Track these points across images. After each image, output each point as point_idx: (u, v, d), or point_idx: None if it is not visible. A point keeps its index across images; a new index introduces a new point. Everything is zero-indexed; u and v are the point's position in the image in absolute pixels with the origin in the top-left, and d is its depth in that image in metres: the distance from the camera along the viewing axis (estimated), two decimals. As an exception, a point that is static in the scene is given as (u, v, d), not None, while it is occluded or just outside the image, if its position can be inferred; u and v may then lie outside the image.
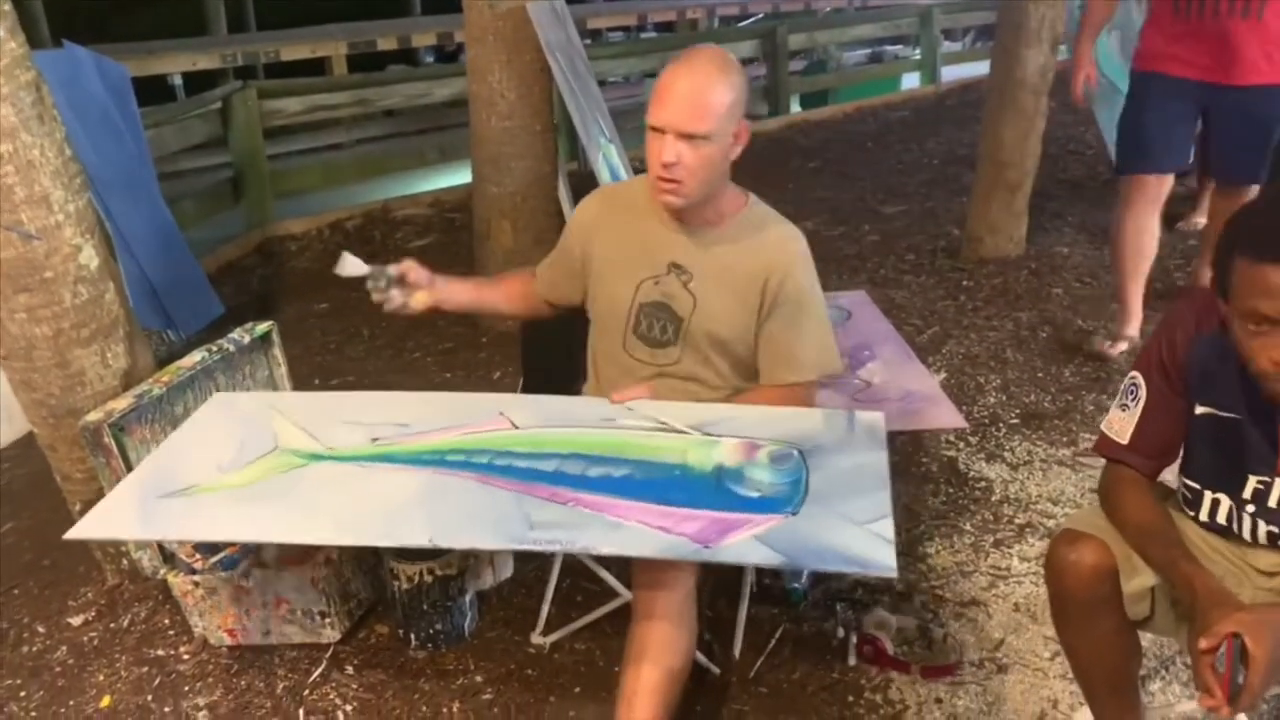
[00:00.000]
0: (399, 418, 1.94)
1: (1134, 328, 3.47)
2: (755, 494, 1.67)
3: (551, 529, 1.60)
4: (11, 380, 2.27)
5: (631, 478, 1.72)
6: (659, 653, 1.68)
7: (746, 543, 1.56)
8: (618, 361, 2.00)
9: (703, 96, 1.76)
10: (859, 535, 1.58)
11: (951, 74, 9.26)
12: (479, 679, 2.12)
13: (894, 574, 1.54)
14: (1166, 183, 3.29)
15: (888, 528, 1.59)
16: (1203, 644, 1.33)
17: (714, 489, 1.69)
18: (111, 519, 1.73)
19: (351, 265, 1.94)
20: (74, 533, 1.72)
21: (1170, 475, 1.66)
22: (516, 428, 1.89)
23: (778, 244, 1.92)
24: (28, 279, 2.11)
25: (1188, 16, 3.01)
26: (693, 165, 1.78)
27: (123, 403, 2.18)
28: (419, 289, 2.00)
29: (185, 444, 1.93)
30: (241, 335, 2.46)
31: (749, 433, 1.82)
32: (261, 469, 1.82)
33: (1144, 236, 3.33)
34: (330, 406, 2.06)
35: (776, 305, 1.90)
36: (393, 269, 1.98)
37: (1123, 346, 3.44)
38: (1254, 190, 3.13)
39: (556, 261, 2.10)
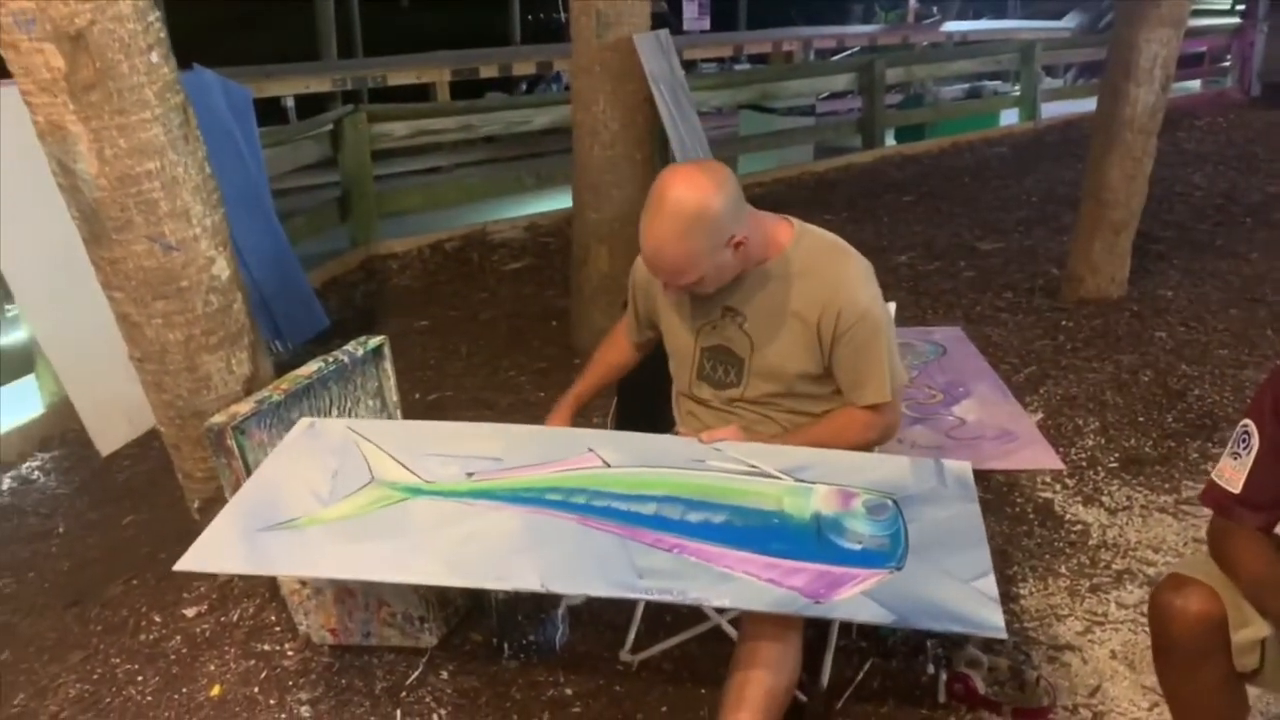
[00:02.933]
0: (489, 451, 1.95)
1: None
2: (857, 546, 1.67)
3: (661, 578, 1.62)
4: (144, 381, 2.41)
5: (731, 524, 1.73)
6: (766, 660, 1.69)
7: (857, 600, 1.57)
8: (689, 405, 2.09)
9: (677, 260, 1.80)
10: (964, 593, 1.57)
11: (1051, 110, 9.12)
12: (568, 692, 2.16)
13: (1003, 634, 1.54)
14: None
15: (990, 585, 1.58)
16: None
17: (814, 540, 1.70)
18: (217, 552, 1.75)
19: None
20: (182, 565, 1.73)
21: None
22: (608, 465, 1.90)
23: (829, 275, 1.91)
24: (165, 287, 2.25)
25: None
26: (705, 286, 1.87)
27: (245, 407, 2.30)
28: None
29: (279, 473, 1.95)
30: (355, 348, 2.57)
31: (840, 479, 1.82)
32: (362, 502, 1.84)
33: None
34: (414, 434, 2.09)
35: (841, 333, 1.90)
36: None
37: None
38: None
39: (631, 311, 2.19)
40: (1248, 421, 1.60)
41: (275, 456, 2.03)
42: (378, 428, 2.12)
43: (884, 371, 1.93)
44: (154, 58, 2.12)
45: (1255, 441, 1.58)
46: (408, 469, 1.92)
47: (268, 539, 1.75)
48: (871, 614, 1.56)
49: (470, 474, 1.90)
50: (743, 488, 1.82)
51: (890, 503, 1.77)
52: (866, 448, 2.00)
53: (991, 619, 1.53)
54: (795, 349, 1.93)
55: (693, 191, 1.77)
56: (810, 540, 1.70)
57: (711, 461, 1.88)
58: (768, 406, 2.00)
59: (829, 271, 1.92)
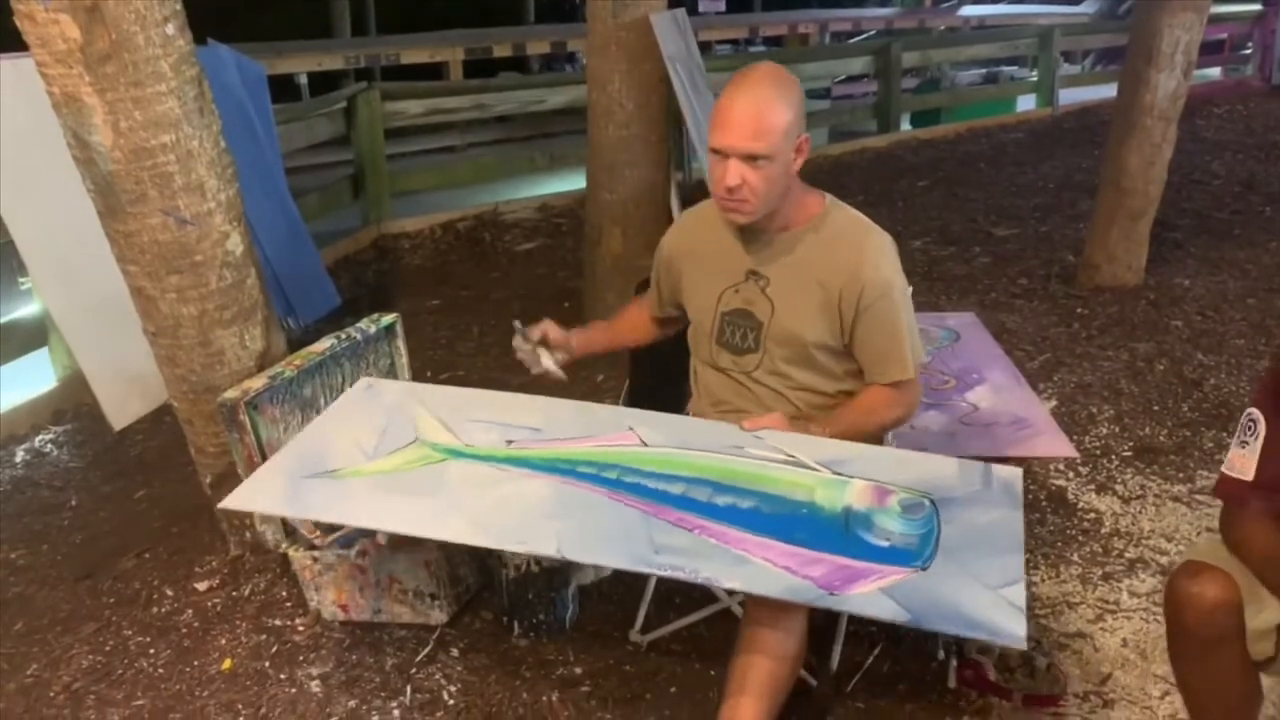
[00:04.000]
0: (532, 422, 1.98)
1: None
2: (884, 543, 1.65)
3: (677, 555, 1.62)
4: (157, 355, 2.41)
5: (758, 510, 1.72)
6: (770, 648, 1.69)
7: (873, 595, 1.54)
8: (708, 375, 2.07)
9: (762, 118, 1.79)
10: (989, 600, 1.54)
11: (1069, 97, 9.04)
12: (578, 670, 2.16)
13: (1023, 645, 1.51)
14: None
15: (1019, 594, 1.54)
16: None
17: (841, 533, 1.67)
18: (261, 494, 1.85)
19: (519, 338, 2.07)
20: (227, 503, 1.84)
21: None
22: (645, 445, 1.90)
23: (855, 247, 1.91)
24: (179, 261, 2.25)
25: None
26: (756, 185, 1.82)
27: (258, 382, 2.30)
28: (558, 350, 2.08)
29: (331, 427, 2.03)
30: (368, 325, 2.57)
31: (881, 476, 1.79)
32: (402, 459, 1.89)
33: None
34: (466, 402, 2.12)
35: (865, 307, 1.89)
36: (534, 331, 2.06)
37: None
38: None
39: (655, 286, 2.17)
40: (1252, 409, 1.60)
41: (331, 409, 2.13)
42: (431, 391, 2.18)
43: (906, 348, 1.93)
44: (170, 30, 2.11)
45: (1261, 428, 1.57)
46: (451, 431, 1.97)
47: (309, 485, 1.83)
48: (885, 611, 1.53)
49: (510, 441, 1.93)
50: (776, 476, 1.80)
51: (927, 502, 1.74)
52: (893, 425, 2.01)
53: (1013, 628, 1.49)
54: (814, 316, 1.93)
55: (785, 72, 1.88)
56: (836, 533, 1.67)
57: (750, 449, 1.86)
58: (784, 380, 1.98)
59: (855, 244, 1.92)
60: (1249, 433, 1.59)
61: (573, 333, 2.13)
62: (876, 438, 2.01)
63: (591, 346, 2.19)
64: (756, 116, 1.79)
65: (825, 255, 1.92)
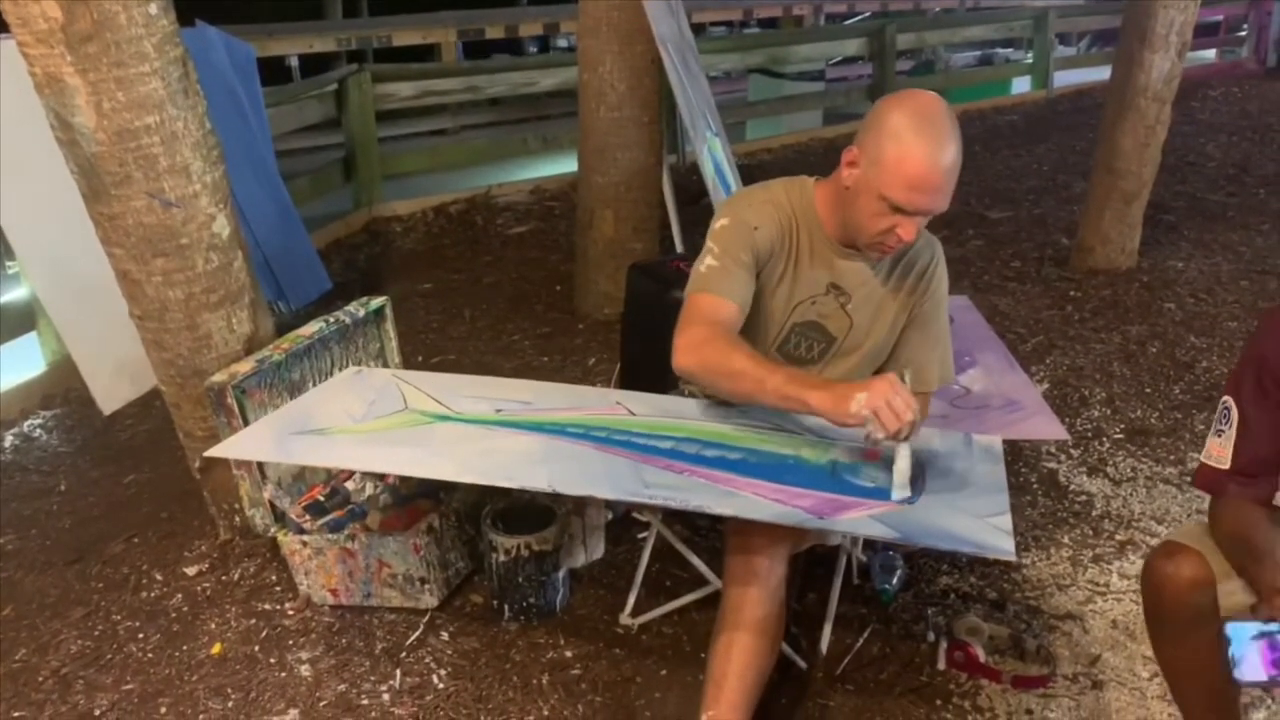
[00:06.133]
0: (521, 397, 2.03)
1: None
2: (870, 484, 1.69)
3: (666, 489, 1.65)
4: (144, 339, 2.39)
5: (745, 461, 1.75)
6: (748, 641, 1.69)
7: (861, 520, 1.58)
8: None
9: (954, 178, 1.67)
10: (977, 525, 1.59)
11: (1064, 79, 9.01)
12: (568, 654, 2.16)
13: (1013, 557, 1.54)
14: None
15: (1006, 521, 1.60)
16: None
17: (828, 476, 1.71)
18: (248, 443, 1.94)
19: None
20: (214, 451, 1.91)
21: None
22: (632, 414, 1.95)
23: (926, 260, 1.90)
24: (165, 244, 2.23)
25: None
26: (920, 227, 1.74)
27: (245, 366, 2.29)
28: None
29: (318, 398, 2.08)
30: (357, 309, 2.55)
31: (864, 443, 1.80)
32: (391, 422, 1.94)
33: None
34: (454, 383, 2.16)
35: (916, 317, 1.91)
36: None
37: None
38: None
39: (738, 265, 1.79)
40: (1227, 398, 1.62)
41: (316, 389, 2.19)
42: (420, 375, 2.21)
43: (933, 363, 1.93)
44: (153, 9, 2.08)
45: (1234, 414, 1.59)
46: (440, 403, 2.01)
47: (297, 439, 1.88)
48: (876, 530, 1.57)
49: (498, 410, 1.97)
50: (764, 436, 1.84)
51: (910, 451, 1.74)
52: None
53: (1001, 544, 1.53)
54: (889, 331, 1.92)
55: (950, 111, 1.69)
56: (824, 477, 1.71)
57: (737, 419, 1.90)
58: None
59: (927, 257, 1.91)
60: (1224, 421, 1.61)
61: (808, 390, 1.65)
62: None
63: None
64: (952, 179, 1.66)
65: (903, 273, 1.90)
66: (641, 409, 1.97)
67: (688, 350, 1.71)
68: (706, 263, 1.80)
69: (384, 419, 1.94)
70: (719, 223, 1.84)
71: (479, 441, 1.83)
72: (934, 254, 1.92)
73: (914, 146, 1.63)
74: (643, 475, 1.70)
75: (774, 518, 1.59)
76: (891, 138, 1.65)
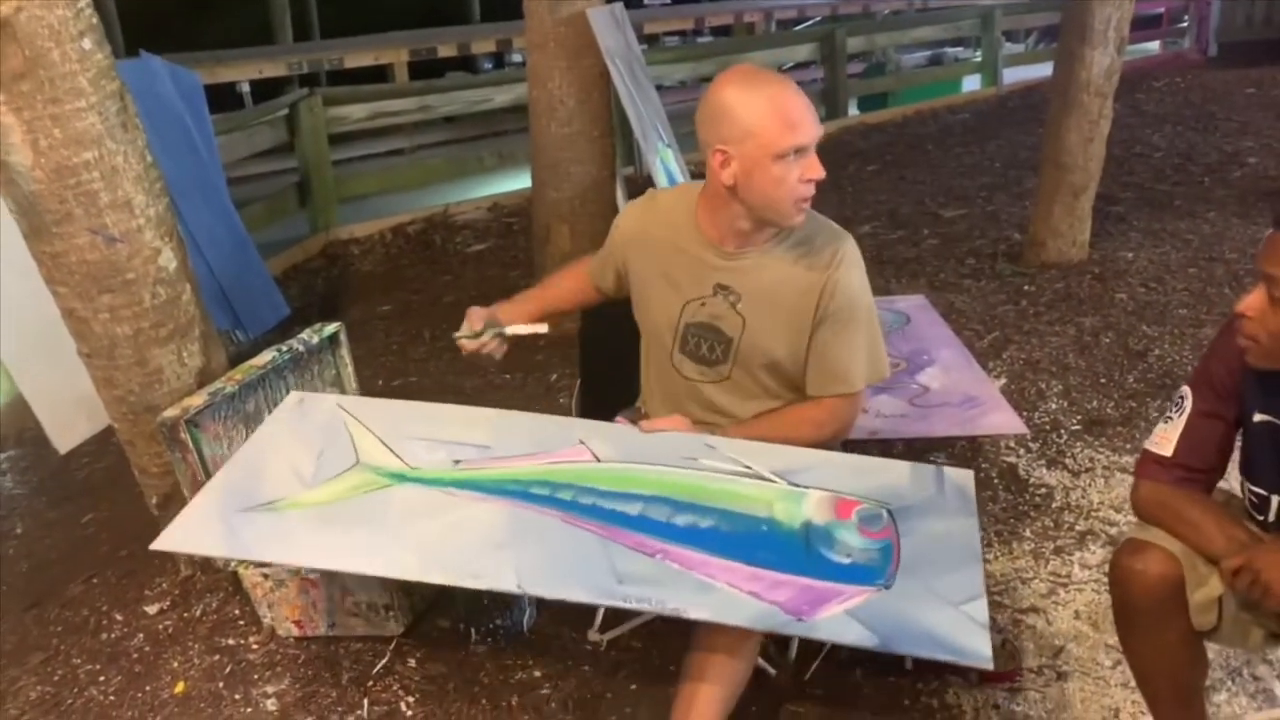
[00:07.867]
0: (478, 438, 1.91)
1: None
2: (845, 559, 1.64)
3: (641, 584, 1.59)
4: (94, 377, 2.36)
5: (718, 529, 1.70)
6: (717, 674, 1.68)
7: (840, 619, 1.54)
8: (667, 377, 1.99)
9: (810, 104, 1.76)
10: (952, 617, 1.54)
11: (1013, 76, 9.13)
12: (538, 674, 2.15)
13: (989, 665, 1.51)
14: None
15: (981, 609, 1.55)
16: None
17: (803, 551, 1.66)
18: (196, 533, 1.75)
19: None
20: (159, 544, 1.75)
21: (1235, 484, 1.64)
22: (598, 460, 1.86)
23: (826, 255, 1.85)
24: (110, 280, 2.20)
25: None
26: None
27: (198, 400, 2.26)
28: (501, 324, 2.00)
29: (263, 451, 1.93)
30: (310, 336, 2.53)
31: (836, 485, 1.78)
32: (345, 486, 1.81)
33: None
34: (404, 415, 2.01)
35: (826, 315, 1.85)
36: (475, 323, 1.99)
37: None
38: None
39: (605, 259, 2.08)
40: (1185, 388, 1.64)
41: (262, 431, 2.00)
42: (367, 406, 2.06)
43: (857, 364, 1.88)
44: (86, 44, 2.06)
45: (1188, 405, 1.62)
46: (394, 453, 1.88)
47: (246, 521, 1.74)
48: (855, 636, 1.53)
49: (457, 461, 1.86)
50: (734, 490, 1.77)
51: (885, 513, 1.73)
52: (815, 445, 1.90)
53: (979, 648, 1.50)
54: (785, 331, 1.87)
55: None
56: (798, 551, 1.66)
57: (704, 460, 1.82)
58: (757, 385, 1.94)
59: (827, 254, 1.85)
60: (1176, 409, 1.63)
61: (496, 308, 2.03)
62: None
63: (522, 318, 2.05)
64: (809, 104, 1.75)
65: (799, 269, 1.85)
66: (605, 450, 1.87)
67: None
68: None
69: (336, 481, 1.82)
70: None
71: (440, 515, 1.73)
72: (839, 249, 1.86)
73: (764, 96, 1.71)
74: (614, 561, 1.63)
75: (751, 622, 1.56)
76: (743, 106, 1.72)
